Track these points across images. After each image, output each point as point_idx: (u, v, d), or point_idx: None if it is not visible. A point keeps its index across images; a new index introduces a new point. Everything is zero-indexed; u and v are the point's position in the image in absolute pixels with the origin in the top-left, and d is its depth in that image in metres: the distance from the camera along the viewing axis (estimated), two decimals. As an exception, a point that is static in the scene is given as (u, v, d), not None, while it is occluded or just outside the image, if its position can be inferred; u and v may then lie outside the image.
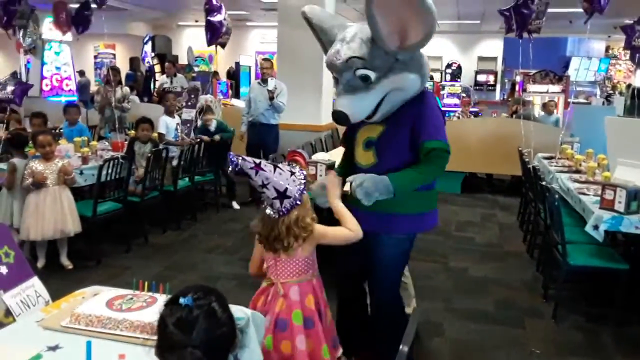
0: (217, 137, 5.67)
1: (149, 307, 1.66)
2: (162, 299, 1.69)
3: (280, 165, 1.92)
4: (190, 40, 14.51)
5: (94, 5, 5.60)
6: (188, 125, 6.14)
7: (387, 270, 2.40)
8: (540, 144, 5.69)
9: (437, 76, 14.14)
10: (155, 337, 1.22)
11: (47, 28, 8.35)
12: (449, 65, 14.48)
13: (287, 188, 1.87)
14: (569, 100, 9.42)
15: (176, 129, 5.45)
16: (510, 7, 5.14)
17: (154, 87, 11.37)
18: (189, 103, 6.45)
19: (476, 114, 9.59)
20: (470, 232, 5.21)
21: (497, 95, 14.17)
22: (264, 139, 5.87)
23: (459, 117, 8.38)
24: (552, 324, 3.30)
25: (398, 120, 2.26)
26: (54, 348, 1.52)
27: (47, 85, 9.99)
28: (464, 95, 11.54)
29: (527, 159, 4.92)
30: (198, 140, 5.53)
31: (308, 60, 6.54)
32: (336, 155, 3.67)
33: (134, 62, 13.57)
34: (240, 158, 1.84)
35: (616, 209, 3.14)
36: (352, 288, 2.58)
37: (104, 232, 4.37)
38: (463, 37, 14.50)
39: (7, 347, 1.55)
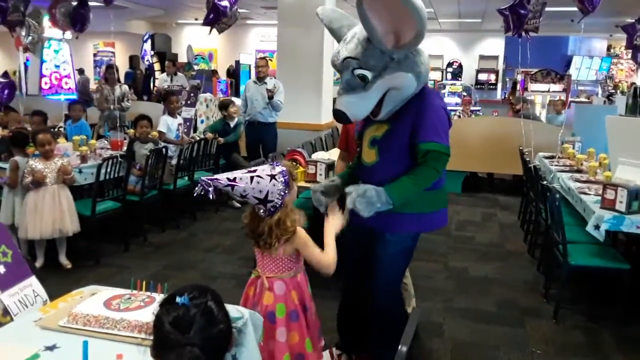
0: (209, 134, 5.68)
1: (147, 307, 1.65)
2: (160, 298, 1.68)
3: (260, 170, 1.92)
4: (190, 38, 14.49)
5: (100, 3, 5.57)
6: (187, 123, 6.14)
7: (388, 268, 2.39)
8: (541, 143, 5.68)
9: (438, 75, 14.14)
10: (152, 337, 1.21)
11: (47, 26, 8.33)
12: (450, 64, 14.47)
13: (267, 193, 1.90)
14: (570, 99, 9.41)
15: (177, 129, 5.44)
16: (507, 7, 5.16)
17: (154, 86, 11.36)
18: (189, 102, 6.45)
19: (476, 114, 9.57)
20: (471, 231, 5.20)
21: (499, 94, 14.16)
22: (262, 137, 5.90)
23: (459, 116, 8.37)
24: (552, 324, 3.28)
25: (400, 119, 2.26)
26: (51, 348, 1.51)
27: (46, 83, 9.96)
28: (465, 94, 11.53)
29: (528, 159, 4.91)
30: (198, 139, 5.52)
31: (308, 59, 6.53)
32: (335, 154, 3.65)
33: (133, 60, 13.55)
34: (212, 180, 1.84)
35: (617, 208, 3.13)
36: (355, 287, 2.57)
37: (102, 231, 4.36)
38: (464, 36, 14.48)
39: (4, 346, 1.54)
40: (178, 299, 1.17)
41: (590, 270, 3.37)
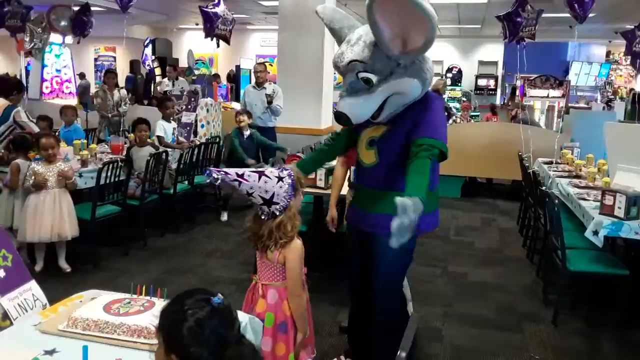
0: (250, 160, 5.06)
1: (147, 311, 1.65)
2: (159, 303, 1.68)
3: (267, 171, 1.93)
4: (190, 43, 14.53)
5: (102, 8, 5.61)
6: (188, 128, 6.16)
7: (389, 269, 2.39)
8: (540, 149, 5.69)
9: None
10: (152, 342, 1.21)
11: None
12: (449, 70, 14.50)
13: (273, 195, 1.91)
14: (569, 105, 9.43)
15: (173, 134, 5.49)
16: (503, 15, 5.22)
17: (154, 90, 11.37)
18: (189, 106, 6.46)
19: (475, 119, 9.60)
20: (470, 236, 5.20)
21: (498, 100, 14.19)
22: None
23: (455, 121, 8.38)
24: (552, 329, 3.28)
25: (400, 122, 2.27)
26: (51, 352, 1.51)
27: (47, 87, 10.01)
28: (464, 99, 11.55)
29: (527, 164, 4.92)
30: (198, 143, 5.54)
31: (308, 64, 6.56)
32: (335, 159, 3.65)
33: (134, 65, 13.58)
34: (222, 172, 1.85)
35: (616, 214, 3.13)
36: (362, 293, 2.55)
37: (102, 235, 4.36)
38: (464, 42, 14.51)
39: (4, 350, 1.54)
40: (215, 300, 1.19)
41: (589, 276, 3.37)
